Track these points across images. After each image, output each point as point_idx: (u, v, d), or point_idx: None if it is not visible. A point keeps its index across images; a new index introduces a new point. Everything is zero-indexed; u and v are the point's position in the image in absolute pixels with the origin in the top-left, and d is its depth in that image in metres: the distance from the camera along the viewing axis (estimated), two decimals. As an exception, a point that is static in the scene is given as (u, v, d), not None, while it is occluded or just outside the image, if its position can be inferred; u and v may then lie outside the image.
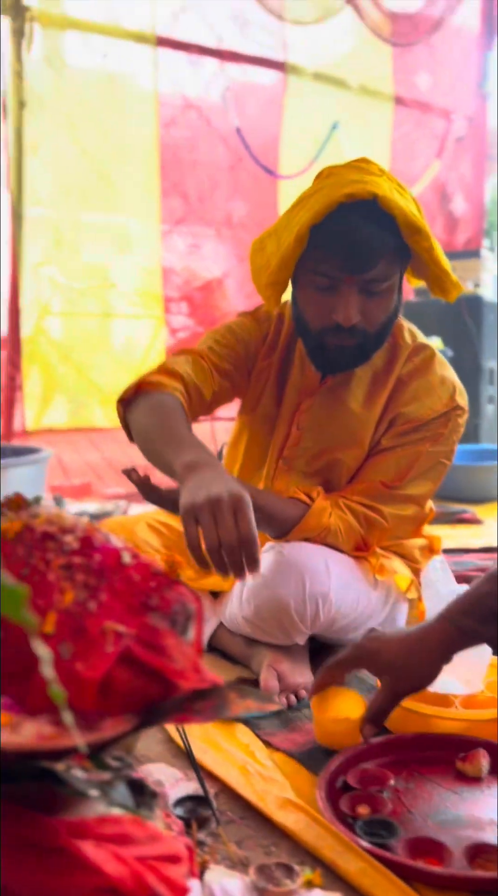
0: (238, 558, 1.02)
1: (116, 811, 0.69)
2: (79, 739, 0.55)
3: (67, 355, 3.30)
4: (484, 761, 1.03)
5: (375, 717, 1.04)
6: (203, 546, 1.03)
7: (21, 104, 2.83)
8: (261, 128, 3.42)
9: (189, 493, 1.05)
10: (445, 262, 1.32)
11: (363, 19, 3.58)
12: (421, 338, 1.46)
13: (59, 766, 0.60)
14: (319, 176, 1.35)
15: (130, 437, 1.37)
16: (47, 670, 0.49)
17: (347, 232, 1.24)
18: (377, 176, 1.28)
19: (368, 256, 1.24)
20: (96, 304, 3.38)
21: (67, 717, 0.53)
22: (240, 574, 1.04)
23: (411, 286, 1.46)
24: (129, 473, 1.29)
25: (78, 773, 0.59)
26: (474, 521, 2.60)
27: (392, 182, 1.29)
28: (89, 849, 0.64)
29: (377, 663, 1.04)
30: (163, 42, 3.08)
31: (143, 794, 0.69)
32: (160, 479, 1.30)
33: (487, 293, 3.59)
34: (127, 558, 0.70)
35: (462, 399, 1.43)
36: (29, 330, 3.14)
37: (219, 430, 3.47)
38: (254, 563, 1.03)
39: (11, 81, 2.83)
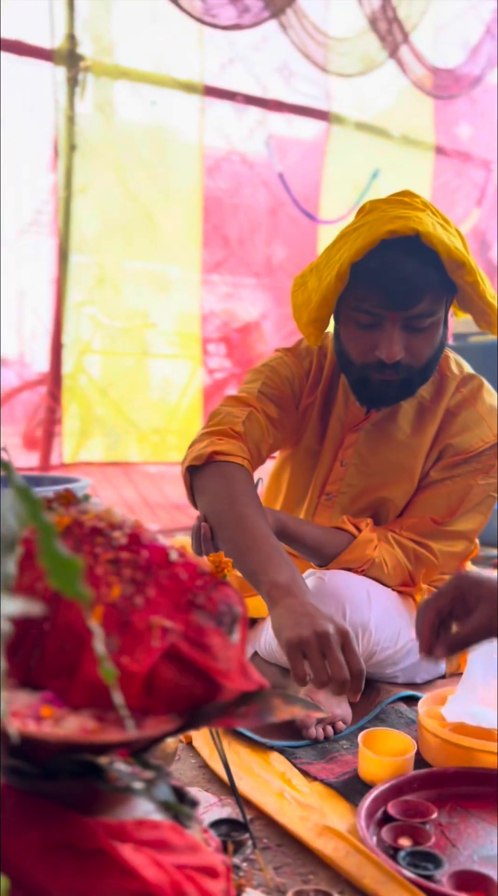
0: (346, 689, 1.02)
1: (155, 816, 0.67)
2: (129, 725, 0.54)
3: (106, 392, 3.34)
4: (532, 798, 0.99)
5: (454, 644, 0.98)
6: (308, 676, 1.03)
7: (72, 147, 2.93)
8: (303, 174, 3.49)
9: (294, 625, 1.04)
10: (492, 295, 1.29)
11: (406, 73, 3.67)
12: (467, 368, 1.45)
13: (103, 760, 0.58)
14: (361, 210, 1.33)
15: (194, 503, 1.36)
16: (99, 646, 0.48)
17: (389, 269, 1.21)
18: (420, 210, 1.26)
19: (410, 293, 1.22)
20: (136, 344, 3.44)
21: (117, 697, 0.52)
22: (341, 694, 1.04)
23: (457, 318, 1.45)
24: (201, 522, 1.29)
25: (121, 767, 0.58)
26: (514, 565, 2.54)
27: (436, 216, 1.27)
28: (128, 852, 0.62)
29: (479, 592, 0.97)
30: (210, 91, 3.18)
31: (183, 801, 0.67)
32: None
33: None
34: (174, 556, 0.69)
35: None
36: (70, 366, 3.20)
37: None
38: (359, 693, 1.04)
39: (64, 126, 2.94)
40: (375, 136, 3.67)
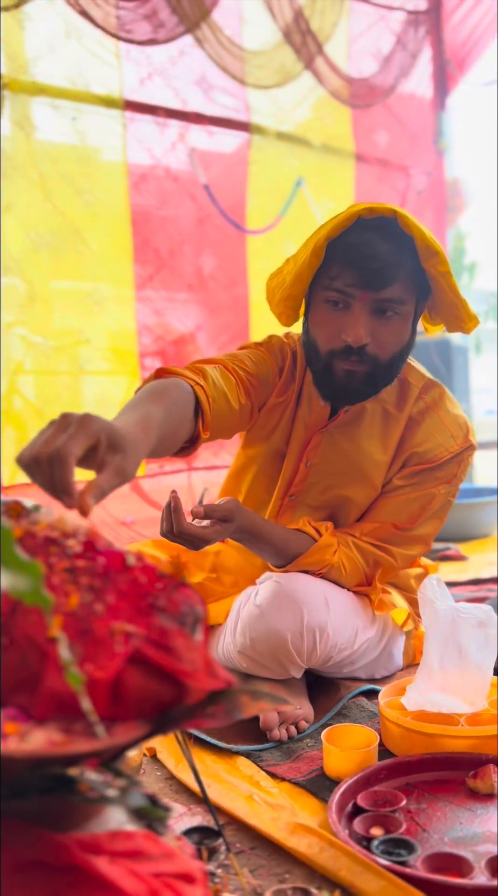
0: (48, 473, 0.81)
1: (129, 827, 0.66)
2: (99, 731, 0.53)
3: (41, 412, 3.28)
4: (495, 777, 1.01)
5: None
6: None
7: (-7, 166, 2.88)
8: (227, 185, 3.51)
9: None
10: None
11: (322, 83, 3.73)
12: (429, 375, 1.46)
13: (73, 771, 0.57)
14: None
15: None
16: (64, 651, 0.47)
17: (364, 245, 1.22)
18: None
19: (382, 272, 1.22)
20: (70, 362, 3.39)
21: (86, 703, 0.51)
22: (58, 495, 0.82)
23: (428, 334, 1.44)
24: (172, 496, 1.18)
25: (93, 777, 0.57)
26: (459, 557, 2.60)
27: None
28: (103, 865, 0.61)
29: None
30: (130, 105, 3.17)
31: (155, 807, 0.66)
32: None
33: (455, 337, 3.67)
34: (131, 560, 0.68)
35: (474, 437, 1.42)
36: (3, 388, 3.13)
37: (196, 479, 3.45)
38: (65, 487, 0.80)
39: (-17, 145, 2.89)
40: (296, 146, 3.72)
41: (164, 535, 1.18)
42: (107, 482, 0.82)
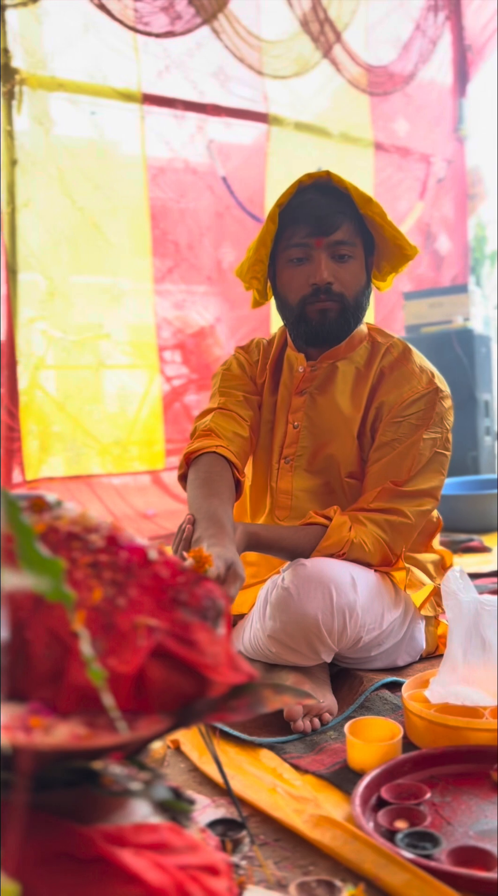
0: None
1: (153, 819, 0.66)
2: (121, 727, 0.53)
3: (63, 406, 3.30)
4: (521, 770, 1.00)
5: None
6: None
7: (13, 162, 2.89)
8: (246, 176, 3.50)
9: None
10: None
11: (341, 72, 3.70)
12: (395, 336, 1.56)
13: (97, 766, 0.57)
14: None
15: None
16: (86, 647, 0.47)
17: (309, 202, 1.43)
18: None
19: (329, 219, 1.41)
20: (91, 356, 3.40)
21: (107, 698, 0.51)
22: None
23: (381, 291, 1.58)
24: (186, 525, 1.30)
25: (117, 771, 0.57)
26: (482, 549, 2.58)
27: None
28: (128, 857, 0.61)
29: None
30: (148, 99, 3.17)
31: (180, 799, 0.66)
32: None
33: (476, 326, 3.64)
34: (153, 555, 0.69)
35: (442, 384, 1.48)
36: (25, 383, 3.15)
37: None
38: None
39: (3, 141, 2.90)
40: (314, 136, 3.69)
41: (173, 551, 1.24)
42: (231, 589, 1.14)
